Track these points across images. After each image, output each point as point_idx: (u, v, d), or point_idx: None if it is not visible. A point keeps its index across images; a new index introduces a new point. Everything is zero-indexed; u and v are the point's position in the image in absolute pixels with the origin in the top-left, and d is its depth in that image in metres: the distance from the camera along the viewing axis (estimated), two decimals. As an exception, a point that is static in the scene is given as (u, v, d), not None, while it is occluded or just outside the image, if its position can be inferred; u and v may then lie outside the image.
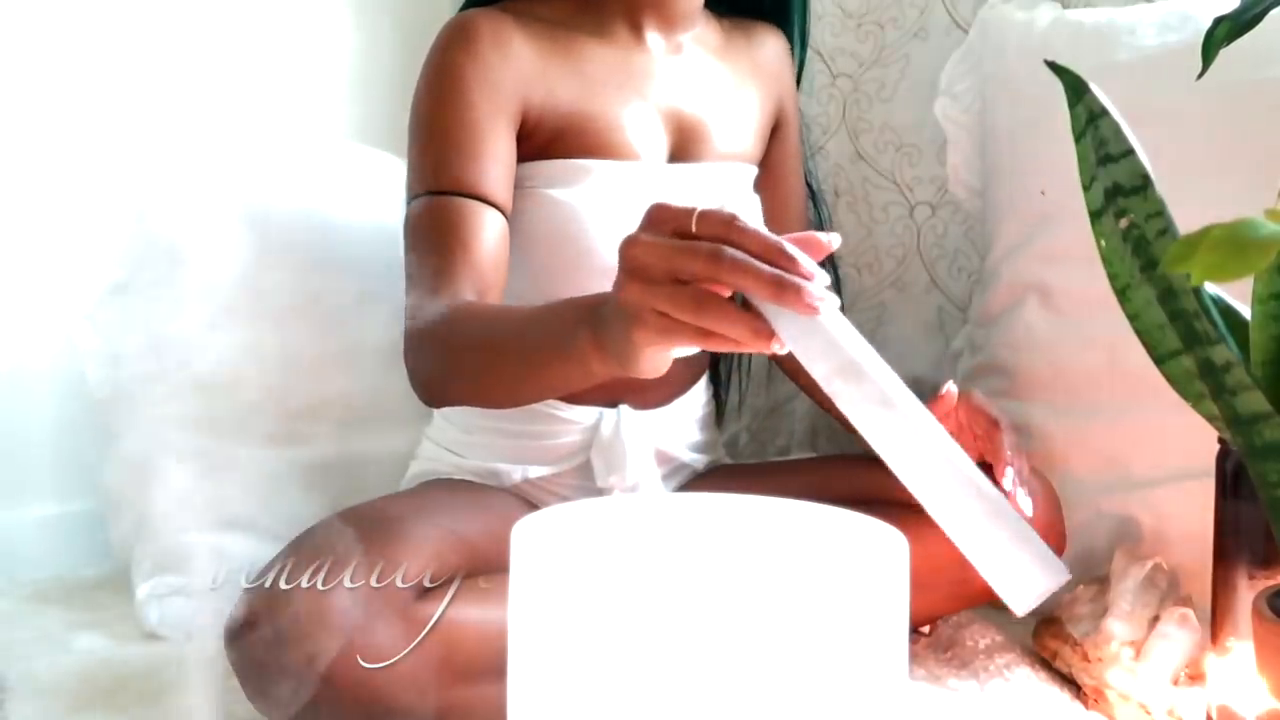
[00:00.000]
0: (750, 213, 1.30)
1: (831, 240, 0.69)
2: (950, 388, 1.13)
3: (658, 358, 0.72)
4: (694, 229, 0.66)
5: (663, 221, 0.69)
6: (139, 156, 1.38)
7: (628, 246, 0.70)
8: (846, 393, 0.64)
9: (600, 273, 1.14)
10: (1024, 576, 0.60)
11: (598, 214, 1.14)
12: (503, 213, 1.10)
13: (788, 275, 0.64)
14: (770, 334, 0.66)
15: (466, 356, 0.97)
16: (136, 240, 1.33)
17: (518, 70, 1.13)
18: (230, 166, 1.39)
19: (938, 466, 0.62)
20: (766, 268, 0.64)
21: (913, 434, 0.62)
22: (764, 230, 0.65)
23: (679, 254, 0.66)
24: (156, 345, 1.28)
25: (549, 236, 1.14)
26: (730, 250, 0.65)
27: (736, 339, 0.67)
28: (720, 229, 0.66)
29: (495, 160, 1.10)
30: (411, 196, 1.11)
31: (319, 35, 1.70)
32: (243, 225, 1.33)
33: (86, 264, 1.37)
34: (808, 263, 0.65)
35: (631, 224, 1.16)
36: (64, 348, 1.39)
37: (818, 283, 0.64)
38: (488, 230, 1.07)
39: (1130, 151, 0.73)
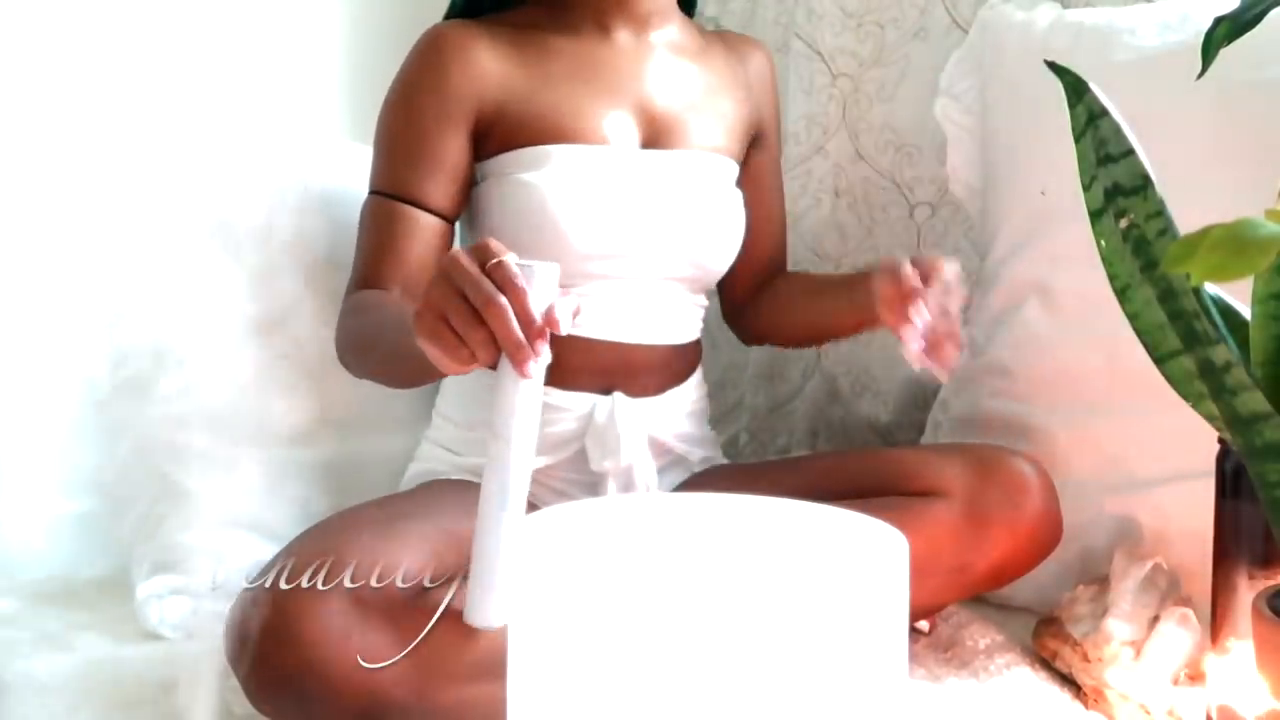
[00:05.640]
0: (731, 206, 1.31)
1: (563, 326, 0.84)
2: (906, 268, 1.13)
3: (432, 349, 0.86)
4: (488, 268, 0.84)
5: (479, 250, 0.85)
6: (141, 157, 1.38)
7: (447, 257, 0.85)
8: (491, 444, 0.86)
9: (572, 252, 1.17)
10: (491, 604, 0.88)
11: (565, 195, 1.17)
12: (441, 216, 1.19)
13: (524, 343, 0.82)
14: (472, 361, 0.85)
15: (360, 337, 1.13)
16: (138, 240, 1.33)
17: (476, 76, 1.20)
18: (231, 166, 1.39)
19: (496, 519, 0.87)
20: (517, 330, 0.82)
21: (499, 496, 0.86)
22: (531, 302, 0.83)
23: (473, 282, 0.83)
24: (157, 345, 1.28)
25: (518, 219, 1.18)
26: (503, 300, 0.82)
27: (471, 355, 0.84)
28: (502, 280, 0.83)
29: (437, 168, 1.19)
30: (368, 191, 1.22)
31: (317, 34, 1.70)
32: (243, 227, 1.33)
33: (87, 264, 1.37)
34: (542, 343, 0.83)
35: (602, 206, 1.18)
36: (65, 347, 1.38)
37: (539, 362, 0.83)
38: (416, 233, 1.18)
39: (1130, 151, 0.74)
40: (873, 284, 1.16)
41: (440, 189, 1.19)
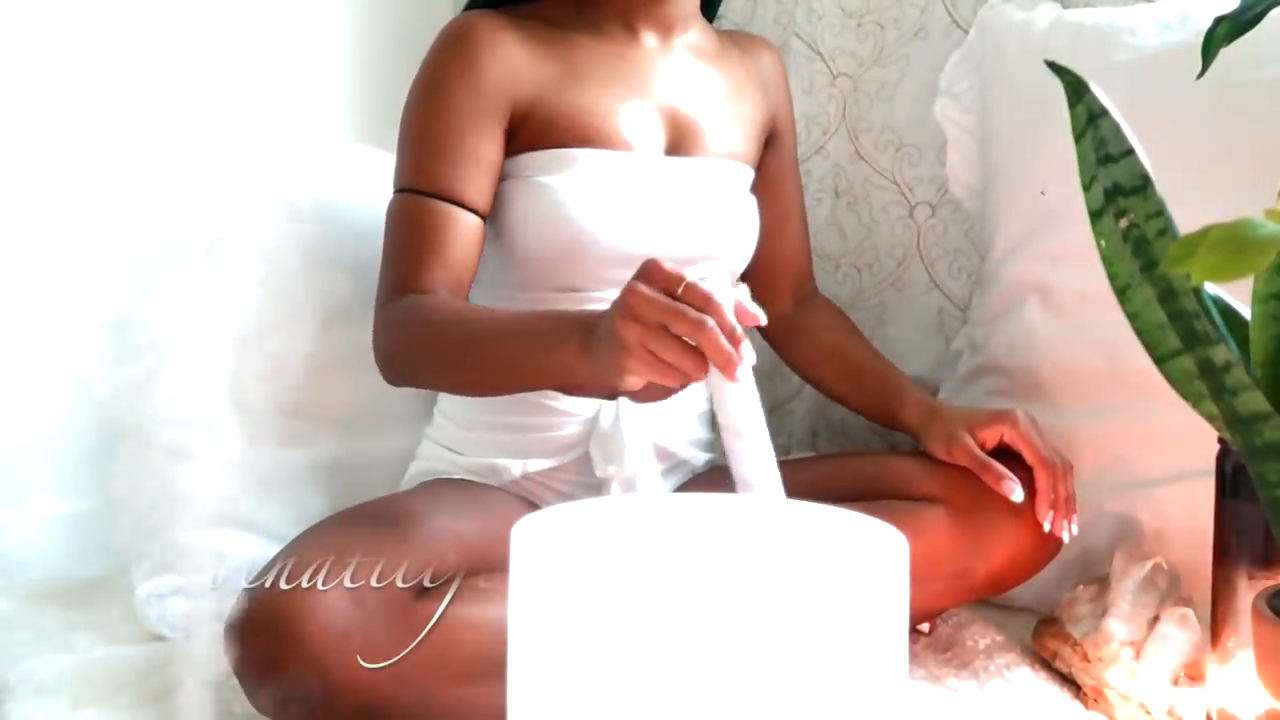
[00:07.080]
0: (746, 213, 1.31)
1: (759, 316, 0.87)
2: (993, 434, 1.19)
3: (636, 381, 0.89)
4: (679, 294, 0.84)
5: (657, 278, 0.85)
6: (143, 159, 1.38)
7: (629, 293, 0.85)
8: (730, 441, 0.84)
9: (592, 258, 1.16)
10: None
11: (588, 200, 1.16)
12: (478, 214, 1.15)
13: (733, 353, 0.83)
14: (685, 381, 0.87)
15: (441, 347, 1.06)
16: (137, 242, 1.33)
17: (509, 70, 1.16)
18: (231, 167, 1.39)
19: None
20: (726, 344, 0.83)
21: (750, 479, 0.84)
22: (727, 312, 0.84)
23: (673, 312, 0.83)
24: (157, 345, 1.27)
25: (540, 222, 1.16)
26: (711, 322, 0.83)
27: (687, 377, 0.86)
28: (700, 302, 0.84)
29: (474, 163, 1.14)
30: (395, 190, 1.16)
31: (320, 34, 1.70)
32: (244, 226, 1.33)
33: (87, 265, 1.37)
34: (744, 342, 0.84)
35: (626, 213, 1.17)
36: (65, 347, 1.38)
37: (745, 363, 0.83)
38: (458, 232, 1.13)
39: (1130, 151, 0.73)
40: (933, 447, 1.21)
41: (476, 185, 1.14)
